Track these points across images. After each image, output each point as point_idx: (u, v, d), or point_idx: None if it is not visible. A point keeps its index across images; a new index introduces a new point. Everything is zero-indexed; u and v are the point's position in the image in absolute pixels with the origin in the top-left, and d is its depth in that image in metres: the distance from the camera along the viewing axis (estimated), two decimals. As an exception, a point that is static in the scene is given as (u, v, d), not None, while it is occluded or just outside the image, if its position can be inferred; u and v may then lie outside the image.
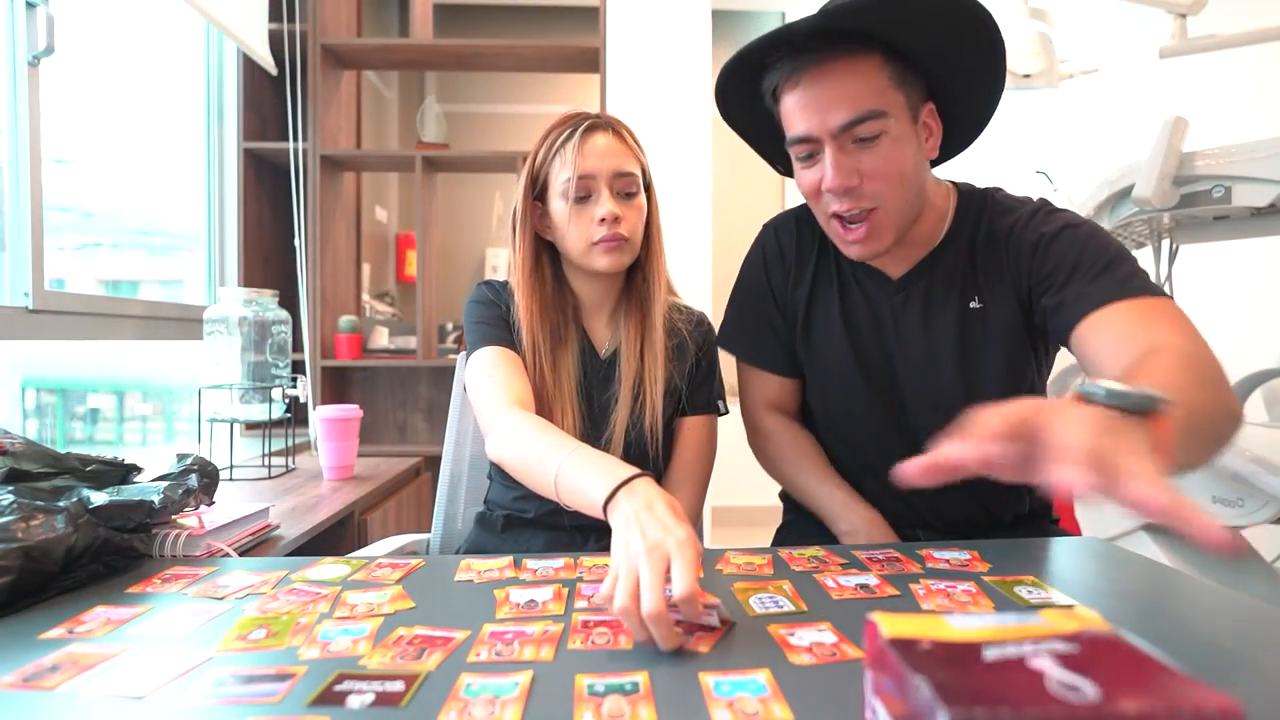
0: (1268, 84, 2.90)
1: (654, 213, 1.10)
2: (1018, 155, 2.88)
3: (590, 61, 2.57)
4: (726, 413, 1.16)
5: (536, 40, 2.55)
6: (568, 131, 1.02)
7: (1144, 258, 1.73)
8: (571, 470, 0.79)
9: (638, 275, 1.10)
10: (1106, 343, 0.82)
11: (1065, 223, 0.94)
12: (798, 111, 0.91)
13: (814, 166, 0.93)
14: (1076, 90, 2.82)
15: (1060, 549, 0.88)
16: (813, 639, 0.61)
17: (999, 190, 1.03)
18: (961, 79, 0.93)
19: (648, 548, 0.62)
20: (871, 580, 0.76)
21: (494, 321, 1.07)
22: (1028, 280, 0.95)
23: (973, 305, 0.99)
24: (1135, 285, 0.85)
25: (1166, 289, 1.65)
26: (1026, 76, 2.21)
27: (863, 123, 0.88)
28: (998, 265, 0.97)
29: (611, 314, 1.12)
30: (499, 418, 0.93)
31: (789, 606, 0.68)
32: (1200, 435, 0.66)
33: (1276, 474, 1.62)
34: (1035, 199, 1.01)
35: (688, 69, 2.59)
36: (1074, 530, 2.13)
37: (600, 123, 1.04)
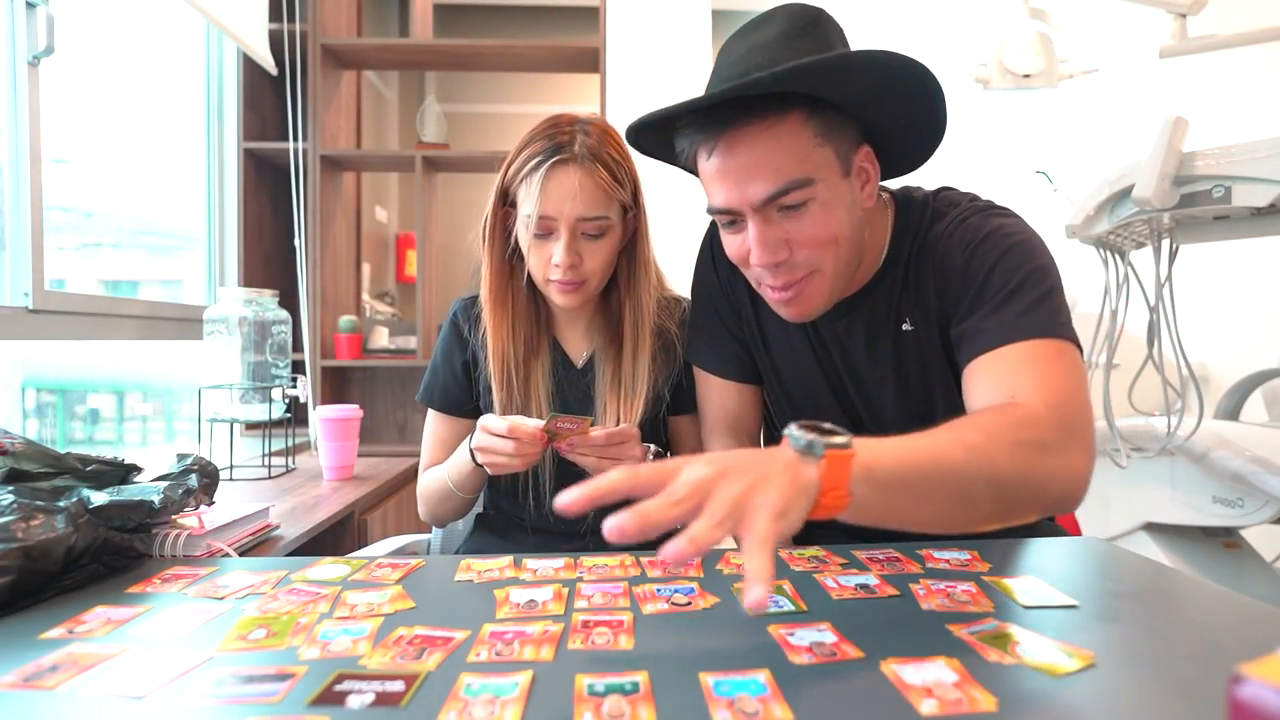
0: (1268, 84, 2.90)
1: (640, 234, 1.04)
2: (1018, 155, 2.88)
3: (590, 61, 2.57)
4: None
5: (536, 40, 2.55)
6: (537, 159, 0.95)
7: (1144, 258, 1.73)
8: (445, 472, 1.03)
9: (614, 296, 1.07)
10: (977, 393, 0.81)
11: (990, 230, 0.86)
12: (715, 182, 0.82)
13: (738, 234, 0.84)
14: (1076, 90, 2.81)
15: (1060, 549, 0.88)
16: (813, 639, 0.61)
17: (942, 191, 0.95)
18: (896, 123, 0.85)
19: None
20: (871, 580, 0.76)
21: (441, 369, 1.11)
22: (944, 302, 0.89)
23: (905, 328, 0.92)
24: (1027, 324, 0.80)
25: (1166, 289, 1.65)
26: (1026, 76, 2.21)
27: (787, 194, 0.79)
28: (924, 281, 0.90)
29: (587, 325, 1.10)
30: (417, 490, 1.12)
31: (789, 606, 0.68)
32: (941, 475, 0.65)
33: (1276, 474, 1.61)
34: (969, 197, 0.93)
35: (688, 69, 2.59)
36: (1074, 530, 2.13)
37: (572, 155, 0.94)
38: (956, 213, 0.90)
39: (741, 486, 0.53)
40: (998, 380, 0.79)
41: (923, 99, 0.82)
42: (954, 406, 0.88)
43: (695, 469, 0.55)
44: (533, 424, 0.89)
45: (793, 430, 0.59)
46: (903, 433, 0.69)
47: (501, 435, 0.89)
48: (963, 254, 0.86)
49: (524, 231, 0.99)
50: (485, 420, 0.91)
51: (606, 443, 0.88)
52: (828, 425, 0.59)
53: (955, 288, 0.86)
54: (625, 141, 0.97)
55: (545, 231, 0.97)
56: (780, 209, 0.81)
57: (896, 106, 0.82)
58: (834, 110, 0.80)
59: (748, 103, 0.78)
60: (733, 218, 0.84)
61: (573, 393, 1.08)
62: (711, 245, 1.03)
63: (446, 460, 1.06)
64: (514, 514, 1.09)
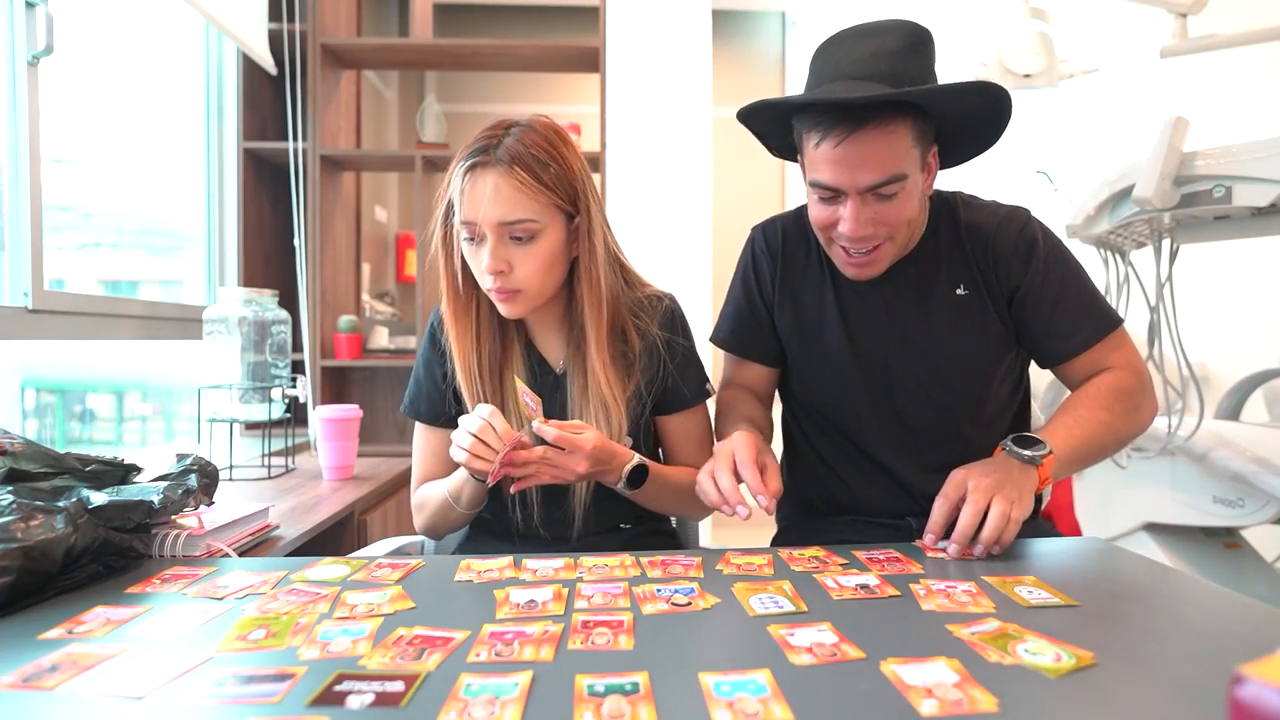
0: (1268, 84, 2.90)
1: (592, 236, 1.00)
2: (1018, 155, 2.88)
3: (590, 61, 2.57)
4: (713, 393, 1.14)
5: (536, 40, 2.55)
6: (459, 166, 0.94)
7: (1144, 258, 1.73)
8: (446, 487, 1.02)
9: (575, 301, 1.03)
10: (1079, 377, 1.06)
11: (1046, 240, 1.05)
12: (827, 164, 0.94)
13: (831, 207, 0.98)
14: (1076, 90, 2.81)
15: (1060, 549, 0.88)
16: (813, 639, 0.61)
17: (960, 191, 1.12)
18: (968, 135, 1.01)
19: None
20: (871, 580, 0.76)
21: (423, 380, 1.13)
22: (1013, 279, 1.05)
23: (959, 292, 1.06)
24: (1108, 321, 1.04)
25: (1167, 290, 1.65)
26: (1026, 76, 2.21)
27: (887, 185, 0.93)
28: (983, 256, 1.05)
29: (558, 330, 1.07)
30: (412, 501, 1.12)
31: (789, 606, 0.68)
32: (1095, 449, 0.99)
33: (1277, 474, 1.61)
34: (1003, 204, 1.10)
35: (688, 69, 2.58)
36: (1074, 530, 2.13)
37: (489, 160, 0.93)
38: (1010, 210, 1.09)
39: (1008, 505, 0.84)
40: (1097, 364, 1.04)
41: (994, 126, 0.99)
42: (992, 365, 1.07)
43: (978, 483, 0.86)
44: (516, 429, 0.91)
45: (1014, 448, 0.91)
46: (943, 393, 1.06)
47: (471, 433, 0.90)
48: (1044, 257, 1.04)
49: (459, 239, 0.99)
50: (463, 419, 0.93)
51: (554, 442, 0.90)
52: (1030, 435, 0.94)
53: (1035, 279, 1.04)
54: (568, 141, 1.00)
55: (473, 237, 0.96)
56: (876, 195, 0.95)
57: (975, 127, 0.99)
58: (928, 119, 0.95)
59: (874, 106, 0.90)
60: (834, 193, 0.97)
61: (550, 398, 1.05)
62: (753, 246, 1.18)
63: (440, 470, 1.07)
64: (505, 521, 1.08)
